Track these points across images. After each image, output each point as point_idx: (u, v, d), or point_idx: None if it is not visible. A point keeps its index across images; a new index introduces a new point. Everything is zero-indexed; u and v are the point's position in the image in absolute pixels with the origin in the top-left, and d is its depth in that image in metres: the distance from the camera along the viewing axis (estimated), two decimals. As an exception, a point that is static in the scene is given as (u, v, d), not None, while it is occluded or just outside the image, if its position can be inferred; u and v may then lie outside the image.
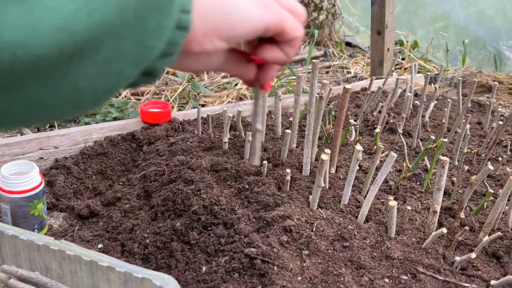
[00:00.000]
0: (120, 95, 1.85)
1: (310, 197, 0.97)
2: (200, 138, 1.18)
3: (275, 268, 0.82)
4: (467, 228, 0.86)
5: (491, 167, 0.89)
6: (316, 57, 2.49)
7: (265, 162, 1.05)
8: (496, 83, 1.31)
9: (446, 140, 1.07)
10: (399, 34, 2.39)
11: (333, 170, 1.12)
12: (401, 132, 1.36)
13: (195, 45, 0.41)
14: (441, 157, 0.86)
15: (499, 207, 0.92)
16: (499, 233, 0.84)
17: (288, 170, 1.00)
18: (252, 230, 0.91)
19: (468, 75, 1.91)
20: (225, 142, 1.14)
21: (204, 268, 0.87)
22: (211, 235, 0.91)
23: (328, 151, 0.93)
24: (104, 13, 0.26)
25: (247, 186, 1.01)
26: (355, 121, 1.45)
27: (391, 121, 1.50)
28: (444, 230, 0.82)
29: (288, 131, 1.09)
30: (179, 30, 0.35)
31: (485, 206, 1.04)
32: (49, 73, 0.26)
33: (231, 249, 0.88)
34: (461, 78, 1.41)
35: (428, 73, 1.29)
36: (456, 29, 2.28)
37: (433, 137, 1.07)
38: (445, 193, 1.14)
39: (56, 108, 0.28)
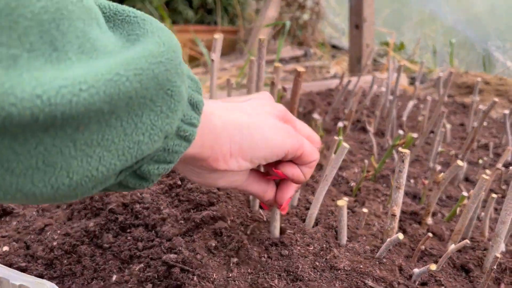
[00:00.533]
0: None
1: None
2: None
3: (195, 278, 0.68)
4: (430, 235, 0.72)
5: (460, 163, 0.75)
6: (297, 57, 2.37)
7: (204, 155, 0.91)
8: (479, 79, 1.18)
9: (415, 135, 0.93)
10: (384, 34, 2.26)
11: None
12: (372, 130, 1.22)
13: (221, 163, 0.45)
14: (401, 149, 0.72)
15: (470, 211, 0.78)
16: (467, 241, 0.70)
17: (227, 164, 0.86)
18: (177, 233, 0.77)
19: (454, 75, 1.78)
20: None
21: (114, 277, 0.72)
22: (129, 238, 0.77)
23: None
24: (90, 97, 0.26)
25: (179, 182, 0.87)
26: (322, 117, 1.32)
27: (364, 119, 1.37)
28: (401, 236, 0.68)
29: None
30: (180, 139, 0.37)
31: (457, 212, 0.90)
32: (18, 135, 0.25)
33: (149, 255, 0.73)
34: (441, 75, 1.28)
35: (399, 62, 1.16)
36: (444, 29, 2.16)
37: (401, 132, 0.94)
38: (415, 197, 1.00)
39: (26, 178, 0.27)
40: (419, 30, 2.23)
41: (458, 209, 0.90)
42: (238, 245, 0.72)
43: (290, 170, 0.54)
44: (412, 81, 1.93)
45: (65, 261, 0.76)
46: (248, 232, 0.75)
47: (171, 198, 0.85)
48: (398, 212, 0.75)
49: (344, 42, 2.75)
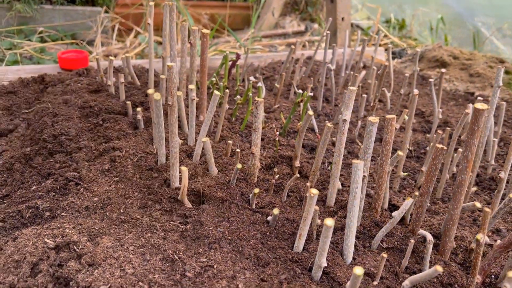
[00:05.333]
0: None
1: (155, 135, 1.01)
2: (91, 81, 1.25)
3: (81, 189, 0.88)
4: (275, 169, 0.87)
5: (310, 113, 0.88)
6: (300, 32, 2.48)
7: (128, 102, 1.10)
8: (405, 45, 1.27)
9: (311, 94, 1.07)
10: (388, 12, 2.30)
11: (202, 118, 1.14)
12: (296, 88, 1.35)
13: None
14: (257, 99, 0.86)
15: (320, 156, 0.91)
16: (297, 175, 0.84)
17: (138, 109, 1.04)
18: (86, 159, 0.97)
19: (429, 50, 1.82)
20: (109, 85, 1.20)
21: (33, 187, 0.94)
22: (51, 160, 0.99)
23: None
24: None
25: (101, 122, 1.07)
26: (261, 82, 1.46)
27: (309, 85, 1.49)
28: (239, 165, 0.83)
29: (163, 76, 1.13)
30: None
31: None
32: None
33: (60, 173, 0.94)
34: (418, 50, 1.37)
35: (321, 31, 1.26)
36: (437, 6, 2.17)
37: (300, 91, 1.07)
38: (313, 149, 1.13)
39: None
40: (417, 7, 2.24)
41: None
42: (123, 169, 0.91)
43: None
44: (393, 56, 1.99)
45: (5, 175, 1.00)
46: (136, 160, 0.94)
47: (93, 133, 1.05)
48: (256, 152, 0.90)
49: (359, 18, 2.81)
